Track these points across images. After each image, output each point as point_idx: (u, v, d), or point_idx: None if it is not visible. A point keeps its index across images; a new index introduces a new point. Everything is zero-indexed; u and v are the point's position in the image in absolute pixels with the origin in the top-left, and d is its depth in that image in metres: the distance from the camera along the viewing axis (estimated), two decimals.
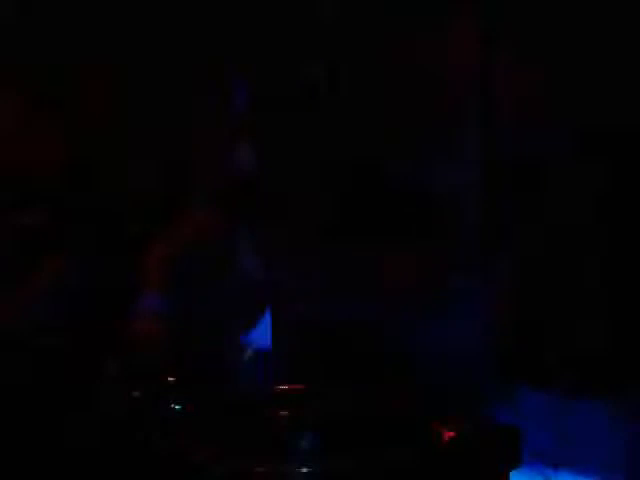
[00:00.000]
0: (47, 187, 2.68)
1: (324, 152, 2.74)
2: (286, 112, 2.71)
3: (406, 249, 2.63)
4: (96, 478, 2.05)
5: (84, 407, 2.16)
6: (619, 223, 2.54)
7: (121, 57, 2.86)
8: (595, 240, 2.56)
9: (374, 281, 2.64)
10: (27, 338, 2.46)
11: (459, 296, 2.62)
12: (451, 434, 1.95)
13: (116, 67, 2.86)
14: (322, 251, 2.66)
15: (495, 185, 2.69)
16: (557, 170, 2.61)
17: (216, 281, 2.62)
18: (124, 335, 2.44)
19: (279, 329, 2.77)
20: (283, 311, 2.75)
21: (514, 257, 2.67)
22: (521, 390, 2.62)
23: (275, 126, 2.68)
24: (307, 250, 2.67)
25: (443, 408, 2.07)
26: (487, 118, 2.68)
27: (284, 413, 2.05)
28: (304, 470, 1.83)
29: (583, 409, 2.54)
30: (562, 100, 2.56)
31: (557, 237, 2.60)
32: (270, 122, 2.69)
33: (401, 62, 2.75)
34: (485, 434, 2.00)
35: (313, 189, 2.66)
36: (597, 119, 2.53)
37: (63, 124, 2.75)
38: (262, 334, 2.77)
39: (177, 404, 2.08)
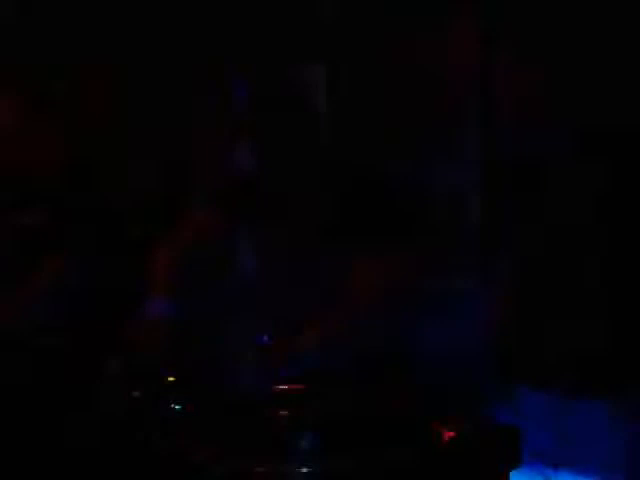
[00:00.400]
0: (47, 187, 2.68)
1: (324, 152, 2.74)
2: (286, 112, 2.71)
3: (406, 249, 2.63)
4: (96, 478, 2.05)
5: (84, 407, 2.16)
6: (619, 223, 2.54)
7: (121, 57, 2.86)
8: (595, 240, 2.56)
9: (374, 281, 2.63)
10: (27, 338, 2.46)
11: (459, 296, 2.62)
12: (451, 434, 1.95)
13: (116, 67, 2.86)
14: (322, 251, 2.66)
15: (495, 185, 2.69)
16: (557, 170, 2.61)
17: (216, 281, 2.62)
18: (124, 335, 2.44)
19: (278, 328, 2.77)
20: (281, 309, 2.75)
21: (514, 257, 2.67)
22: (521, 390, 2.62)
23: (275, 126, 2.68)
24: (307, 250, 2.67)
25: (443, 408, 2.07)
26: (487, 118, 2.68)
27: (284, 413, 2.05)
28: (304, 470, 1.83)
29: (583, 409, 2.54)
30: (562, 100, 2.57)
31: (557, 237, 2.60)
32: (270, 122, 2.69)
33: (401, 62, 2.76)
34: (485, 434, 2.00)
35: (313, 189, 2.65)
36: (597, 119, 2.53)
37: (63, 124, 2.75)
38: (262, 334, 2.76)
39: (177, 404, 2.08)
